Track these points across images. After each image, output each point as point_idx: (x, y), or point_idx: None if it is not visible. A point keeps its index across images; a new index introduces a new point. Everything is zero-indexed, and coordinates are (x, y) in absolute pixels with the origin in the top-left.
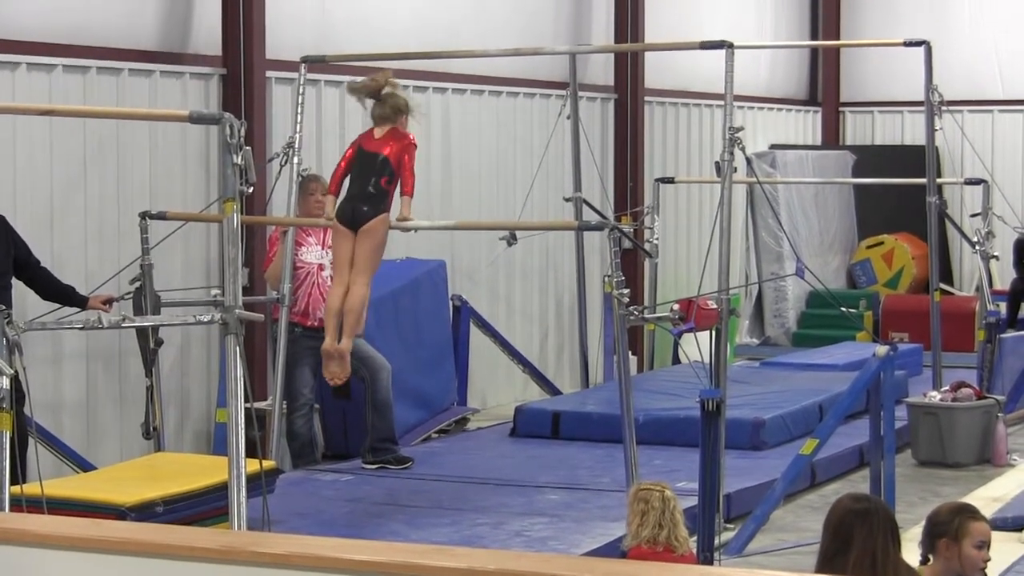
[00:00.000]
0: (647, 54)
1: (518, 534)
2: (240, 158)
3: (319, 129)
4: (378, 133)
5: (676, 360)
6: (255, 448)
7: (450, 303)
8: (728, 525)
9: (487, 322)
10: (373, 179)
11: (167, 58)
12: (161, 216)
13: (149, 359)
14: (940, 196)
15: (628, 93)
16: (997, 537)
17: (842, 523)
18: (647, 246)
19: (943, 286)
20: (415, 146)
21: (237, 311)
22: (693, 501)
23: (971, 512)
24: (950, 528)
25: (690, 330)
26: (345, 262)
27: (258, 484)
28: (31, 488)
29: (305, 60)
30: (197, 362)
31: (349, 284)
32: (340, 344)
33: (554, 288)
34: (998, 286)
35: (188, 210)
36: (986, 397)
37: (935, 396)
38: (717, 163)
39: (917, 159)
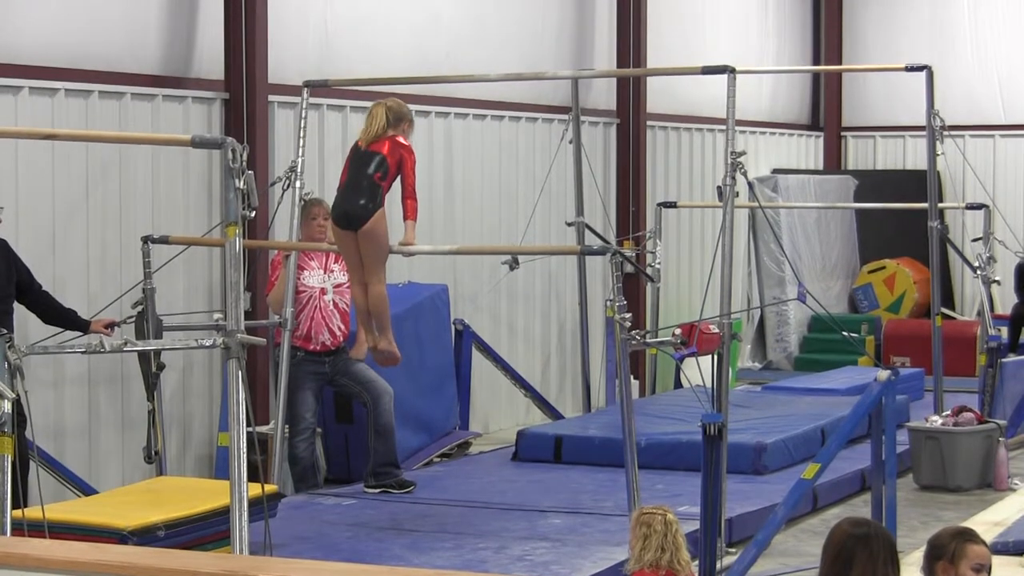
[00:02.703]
0: (649, 79)
1: (520, 558)
2: (242, 182)
3: (321, 153)
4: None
5: (678, 384)
6: (257, 472)
7: (452, 327)
8: (730, 549)
9: (489, 346)
10: (367, 172)
11: (169, 82)
12: (163, 240)
13: (151, 383)
14: (942, 221)
15: (630, 118)
16: (998, 561)
17: (842, 548)
18: (649, 270)
19: (944, 311)
20: (414, 155)
21: (239, 335)
22: (695, 525)
23: (969, 535)
24: (947, 551)
25: (692, 354)
26: (355, 263)
27: (260, 508)
28: (32, 512)
29: (307, 84)
30: (199, 386)
31: (366, 284)
32: (380, 345)
33: (556, 312)
34: (999, 311)
35: (190, 234)
36: (987, 421)
37: (936, 420)
38: (719, 187)
39: (919, 184)
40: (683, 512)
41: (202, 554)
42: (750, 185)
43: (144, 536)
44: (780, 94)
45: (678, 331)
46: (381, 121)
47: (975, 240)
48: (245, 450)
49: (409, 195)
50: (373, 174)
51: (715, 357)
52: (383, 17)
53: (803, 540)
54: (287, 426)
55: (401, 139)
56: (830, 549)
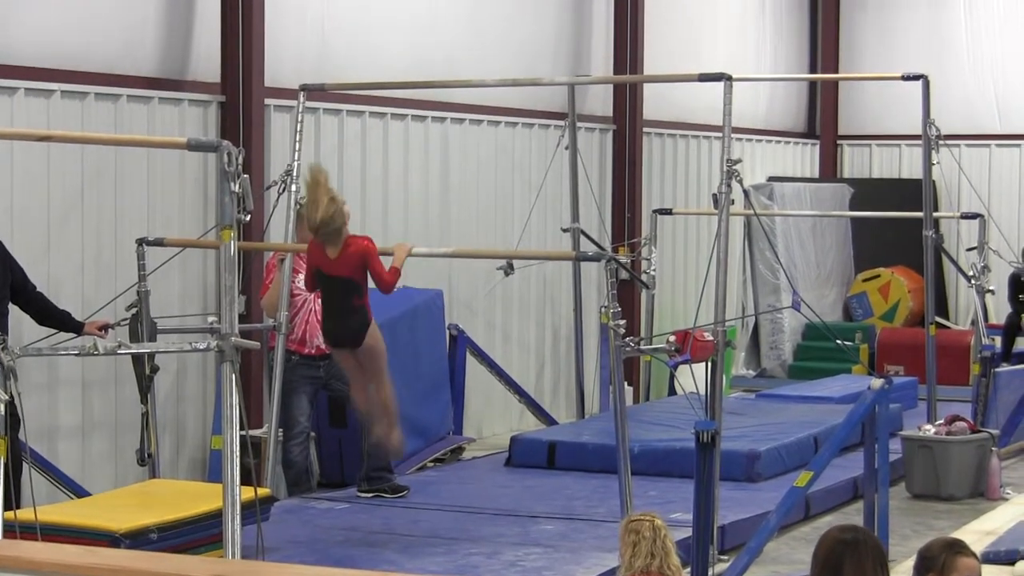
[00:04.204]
0: (646, 85)
1: (513, 564)
2: (238, 186)
3: (317, 157)
4: (331, 252)
5: (672, 391)
6: (250, 476)
7: (447, 332)
8: (722, 557)
9: (484, 352)
10: (346, 302)
11: (166, 85)
12: (158, 242)
13: (145, 386)
14: (937, 230)
15: (627, 124)
16: (990, 571)
17: (831, 554)
18: (644, 277)
19: (939, 320)
20: (374, 249)
21: (233, 338)
22: (687, 532)
23: (959, 548)
24: (937, 563)
25: (686, 362)
26: (355, 369)
27: (253, 512)
28: (25, 514)
29: (304, 88)
30: (193, 389)
31: (371, 390)
32: (392, 439)
33: (551, 318)
34: (993, 320)
35: (185, 237)
36: (980, 431)
37: (930, 429)
38: (715, 195)
39: (914, 193)
40: (676, 519)
41: (194, 558)
42: (746, 193)
43: (136, 539)
44: (776, 102)
45: (672, 338)
46: (327, 214)
47: (970, 249)
48: (238, 453)
49: (378, 275)
50: (351, 301)
51: (709, 364)
52: (380, 21)
53: (795, 548)
54: (281, 430)
55: (353, 240)
56: (819, 555)
